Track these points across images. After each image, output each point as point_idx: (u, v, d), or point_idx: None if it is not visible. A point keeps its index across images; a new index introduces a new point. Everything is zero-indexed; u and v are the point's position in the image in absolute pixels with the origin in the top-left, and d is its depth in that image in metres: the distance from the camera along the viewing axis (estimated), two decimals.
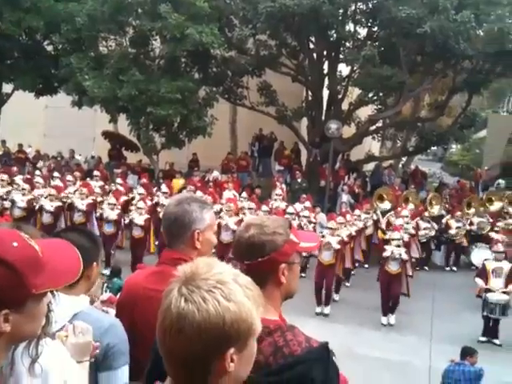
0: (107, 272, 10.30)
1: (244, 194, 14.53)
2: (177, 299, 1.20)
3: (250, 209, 12.90)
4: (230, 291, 1.19)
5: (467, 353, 6.94)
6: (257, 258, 1.71)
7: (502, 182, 21.22)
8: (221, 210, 12.71)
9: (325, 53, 18.15)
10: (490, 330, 9.78)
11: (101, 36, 17.03)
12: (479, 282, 10.11)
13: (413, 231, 12.92)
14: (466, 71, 18.01)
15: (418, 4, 15.03)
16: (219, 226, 11.61)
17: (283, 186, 16.80)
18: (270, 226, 1.76)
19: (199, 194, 12.34)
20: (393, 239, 10.48)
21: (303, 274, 11.78)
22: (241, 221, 11.99)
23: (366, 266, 13.71)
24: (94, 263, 2.29)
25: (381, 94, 19.13)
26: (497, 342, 9.66)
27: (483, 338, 9.71)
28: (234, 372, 1.22)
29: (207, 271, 1.23)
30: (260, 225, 1.77)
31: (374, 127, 20.35)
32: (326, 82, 18.48)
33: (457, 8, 14.92)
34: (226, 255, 10.45)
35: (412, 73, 17.26)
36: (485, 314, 9.74)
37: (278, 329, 1.67)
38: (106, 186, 15.10)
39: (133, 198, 13.75)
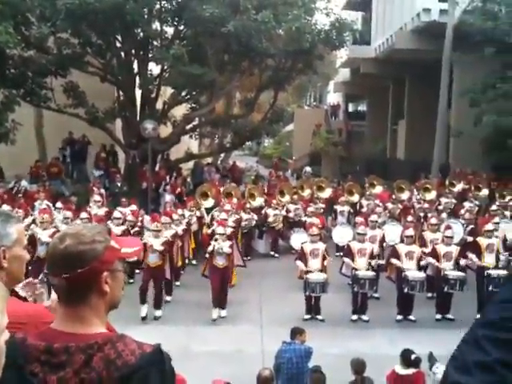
0: None
1: (58, 204, 13.56)
2: None
3: (66, 218, 12.05)
4: None
5: (296, 332, 7.30)
6: (76, 270, 1.60)
7: (308, 169, 23.01)
8: (34, 222, 11.67)
9: (133, 52, 17.77)
10: (313, 308, 10.52)
11: None
12: (300, 264, 10.80)
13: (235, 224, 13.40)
14: (271, 69, 19.09)
15: (221, 4, 15.50)
16: (35, 240, 10.70)
17: (102, 190, 16.10)
18: (87, 234, 1.65)
19: (6, 207, 11.22)
20: (217, 233, 10.66)
21: (131, 280, 11.43)
22: (57, 232, 11.13)
23: (194, 262, 13.79)
24: None
25: (193, 93, 19.37)
26: (320, 317, 10.42)
27: (307, 316, 10.40)
28: None
29: None
30: (76, 234, 1.65)
31: (190, 126, 20.54)
32: (138, 81, 18.13)
33: (257, 8, 15.71)
34: (43, 271, 9.59)
35: (221, 71, 17.75)
36: (307, 293, 10.42)
37: (108, 341, 1.58)
38: None
39: None
